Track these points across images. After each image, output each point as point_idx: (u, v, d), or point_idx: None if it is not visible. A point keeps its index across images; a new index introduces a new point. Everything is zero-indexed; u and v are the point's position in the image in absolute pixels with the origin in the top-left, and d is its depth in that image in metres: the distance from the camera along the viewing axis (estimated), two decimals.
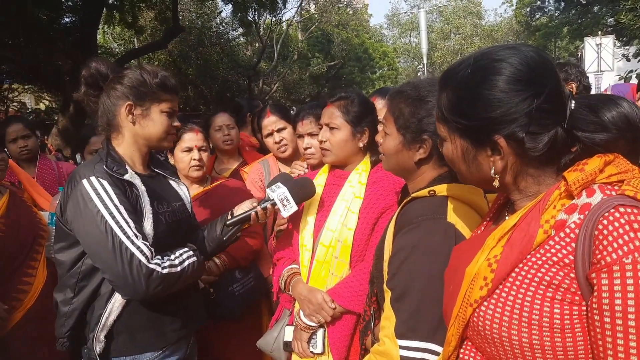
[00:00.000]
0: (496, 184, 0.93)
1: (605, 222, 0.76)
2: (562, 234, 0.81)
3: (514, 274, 0.85)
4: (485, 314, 0.87)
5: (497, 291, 0.86)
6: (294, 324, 1.79)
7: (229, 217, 1.80)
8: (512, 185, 0.94)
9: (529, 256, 0.84)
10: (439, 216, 1.21)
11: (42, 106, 17.26)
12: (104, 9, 9.36)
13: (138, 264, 1.43)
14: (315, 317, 1.71)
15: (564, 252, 0.80)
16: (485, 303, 0.87)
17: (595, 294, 0.75)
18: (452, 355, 0.98)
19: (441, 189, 1.25)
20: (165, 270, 1.48)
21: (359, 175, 1.78)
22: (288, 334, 1.82)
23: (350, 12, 25.58)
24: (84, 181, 1.47)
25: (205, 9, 16.83)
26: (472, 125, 0.90)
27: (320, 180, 1.90)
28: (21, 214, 2.33)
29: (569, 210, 0.83)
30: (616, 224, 0.75)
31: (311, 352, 1.71)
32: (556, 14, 24.51)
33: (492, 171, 0.91)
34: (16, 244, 2.25)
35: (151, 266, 1.45)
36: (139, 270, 1.43)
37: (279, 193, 1.73)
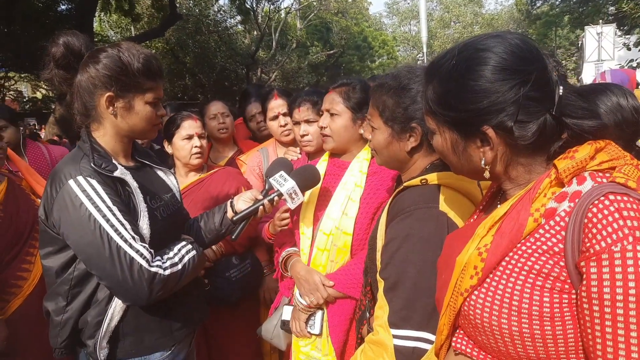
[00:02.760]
0: (487, 174, 0.92)
1: (594, 209, 0.76)
2: (552, 222, 0.81)
3: (504, 263, 0.85)
4: (476, 303, 0.87)
5: (488, 280, 0.86)
6: (293, 304, 1.80)
7: (229, 208, 1.74)
8: (503, 175, 0.93)
9: (519, 245, 0.84)
10: (431, 205, 1.21)
11: (39, 95, 17.18)
12: None
13: (139, 269, 1.33)
14: (309, 297, 1.71)
15: (554, 240, 0.80)
16: (476, 292, 0.87)
17: (584, 282, 0.75)
18: (444, 343, 0.99)
19: (433, 178, 1.24)
20: (168, 272, 1.39)
21: (360, 164, 1.77)
22: (286, 313, 1.84)
23: (350, 0, 25.37)
24: (71, 182, 1.34)
25: None
26: (460, 117, 0.90)
27: (320, 168, 1.89)
28: (19, 202, 2.33)
29: (559, 198, 0.82)
30: (605, 212, 0.74)
31: (308, 332, 1.73)
32: (557, 2, 24.34)
33: (483, 162, 0.91)
34: (14, 232, 2.26)
35: (153, 269, 1.35)
36: (141, 275, 1.33)
37: (288, 188, 1.69)
